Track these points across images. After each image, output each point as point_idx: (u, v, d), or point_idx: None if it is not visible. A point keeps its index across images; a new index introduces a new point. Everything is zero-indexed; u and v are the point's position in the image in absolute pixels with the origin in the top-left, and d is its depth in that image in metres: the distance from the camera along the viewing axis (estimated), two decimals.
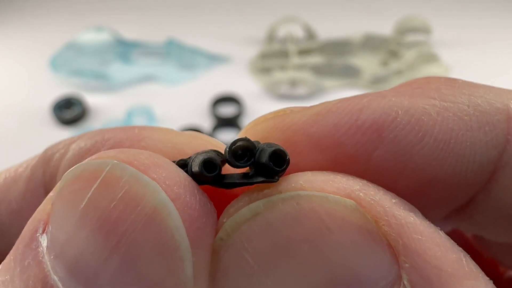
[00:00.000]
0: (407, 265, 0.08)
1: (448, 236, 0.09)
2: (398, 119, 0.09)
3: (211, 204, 0.09)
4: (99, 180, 0.09)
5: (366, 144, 0.10)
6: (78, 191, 0.09)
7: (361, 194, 0.08)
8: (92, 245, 0.08)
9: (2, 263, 0.09)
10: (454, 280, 0.08)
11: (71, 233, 0.08)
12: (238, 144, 0.09)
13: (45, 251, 0.09)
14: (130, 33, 0.77)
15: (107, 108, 0.66)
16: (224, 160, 0.09)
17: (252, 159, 0.09)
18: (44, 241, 0.09)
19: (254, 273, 0.09)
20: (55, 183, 0.12)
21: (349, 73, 0.68)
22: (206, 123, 0.62)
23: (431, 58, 0.70)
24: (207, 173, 0.09)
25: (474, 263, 0.09)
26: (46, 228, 0.09)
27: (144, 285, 0.08)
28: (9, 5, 0.89)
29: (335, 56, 0.70)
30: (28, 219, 0.10)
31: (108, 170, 0.09)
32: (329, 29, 0.78)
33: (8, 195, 0.13)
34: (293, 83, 0.67)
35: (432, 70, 0.63)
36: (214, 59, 0.73)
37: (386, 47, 0.70)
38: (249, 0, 0.88)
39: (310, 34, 0.73)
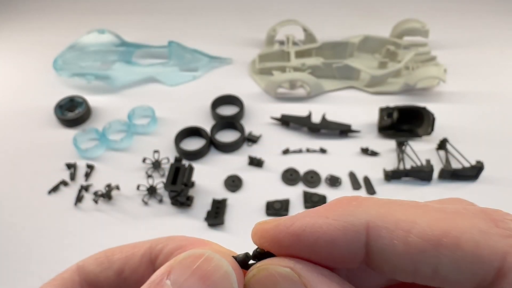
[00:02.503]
0: None
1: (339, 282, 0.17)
2: (305, 230, 0.17)
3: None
4: (203, 257, 0.18)
5: (294, 241, 0.17)
6: (191, 260, 0.17)
7: (292, 264, 0.17)
8: (197, 284, 0.17)
9: None
10: None
11: (186, 279, 0.17)
12: (257, 250, 0.19)
13: (170, 287, 0.17)
14: (132, 37, 0.78)
15: (109, 109, 0.66)
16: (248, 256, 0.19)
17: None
18: (168, 282, 0.17)
19: None
20: (159, 261, 0.22)
21: (348, 75, 0.69)
22: (207, 123, 0.63)
23: (429, 59, 0.71)
24: (247, 259, 0.19)
25: None
26: (169, 277, 0.17)
27: None
28: (14, 8, 0.90)
29: (334, 58, 0.71)
30: (140, 281, 0.21)
31: (207, 254, 0.18)
32: (328, 31, 0.79)
33: (129, 264, 0.22)
34: (293, 85, 0.68)
35: (429, 72, 0.64)
36: (215, 60, 0.74)
37: (384, 49, 0.71)
38: (250, 2, 0.89)
39: (309, 36, 0.74)
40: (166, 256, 0.22)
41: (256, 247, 0.19)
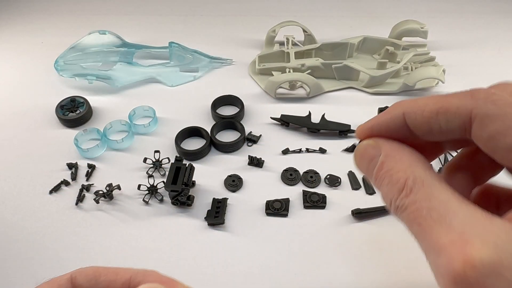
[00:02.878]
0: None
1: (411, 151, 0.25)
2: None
3: None
4: None
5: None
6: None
7: (375, 139, 0.26)
8: None
9: None
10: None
11: None
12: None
13: None
14: (133, 37, 0.78)
15: (110, 109, 0.67)
16: None
17: None
18: None
19: None
20: None
21: (347, 75, 0.69)
22: (207, 123, 0.63)
23: (428, 60, 0.72)
24: None
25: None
26: None
27: None
28: (15, 9, 0.90)
29: (333, 59, 0.72)
30: None
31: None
32: (328, 32, 0.79)
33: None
34: (293, 85, 0.69)
35: (428, 72, 0.64)
36: (215, 61, 0.74)
37: (383, 50, 0.71)
38: (250, 4, 0.90)
39: (309, 37, 0.74)
40: None
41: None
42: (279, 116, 0.63)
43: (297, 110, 0.64)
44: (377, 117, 0.27)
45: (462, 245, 0.19)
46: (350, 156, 0.60)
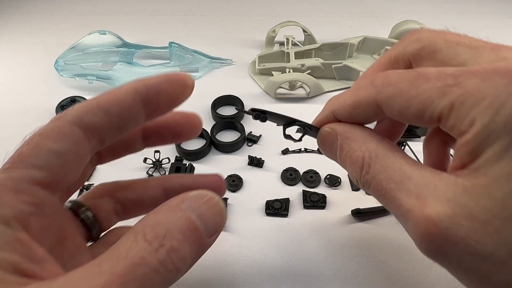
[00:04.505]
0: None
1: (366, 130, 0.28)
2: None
3: None
4: (209, 196, 0.24)
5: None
6: (201, 196, 0.24)
7: (333, 125, 0.30)
8: (206, 211, 0.24)
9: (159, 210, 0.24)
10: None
11: (199, 206, 0.24)
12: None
13: (186, 209, 0.24)
14: (133, 38, 0.79)
15: None
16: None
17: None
18: (184, 206, 0.24)
19: None
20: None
21: (347, 75, 0.70)
22: (207, 123, 0.63)
23: None
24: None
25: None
26: (184, 203, 0.23)
27: (216, 220, 0.24)
28: (15, 9, 0.90)
29: (333, 59, 0.72)
30: (130, 119, 0.26)
31: (211, 195, 0.24)
32: (328, 32, 0.79)
33: (120, 105, 0.26)
34: (292, 85, 0.69)
35: None
36: (215, 61, 0.74)
37: (383, 50, 0.72)
38: (250, 4, 0.90)
39: (309, 37, 0.74)
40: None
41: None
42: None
43: (297, 110, 0.64)
44: (317, 116, 0.32)
45: (420, 207, 0.21)
46: None
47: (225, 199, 0.54)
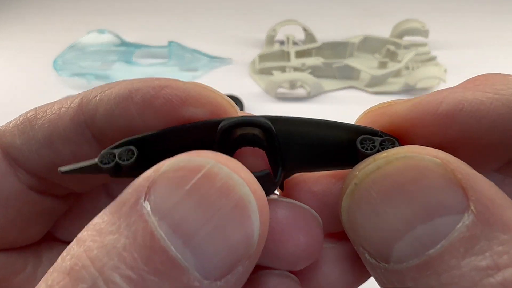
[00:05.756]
0: (473, 198, 0.13)
1: (493, 183, 0.14)
2: (464, 109, 0.15)
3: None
4: (202, 173, 0.13)
5: (442, 125, 0.15)
6: (182, 176, 0.13)
7: (443, 156, 0.14)
8: (193, 214, 0.12)
9: (100, 218, 0.13)
10: (501, 207, 0.13)
11: (176, 204, 0.12)
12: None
13: (151, 214, 0.12)
14: (132, 37, 0.78)
15: None
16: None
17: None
18: (147, 206, 0.12)
19: (377, 203, 0.14)
20: (95, 121, 0.16)
21: (348, 75, 0.69)
22: None
23: (429, 59, 0.71)
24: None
25: (506, 195, 0.14)
26: (148, 197, 0.13)
27: (226, 243, 0.13)
28: (14, 8, 0.90)
29: (334, 58, 0.71)
30: (74, 146, 0.16)
31: (209, 167, 0.13)
32: (328, 31, 0.79)
33: (57, 128, 0.17)
34: (293, 85, 0.68)
35: (429, 71, 0.64)
36: (215, 60, 0.74)
37: (384, 49, 0.71)
38: (250, 2, 0.89)
39: (309, 36, 0.74)
40: (106, 116, 0.16)
41: (377, 130, 0.16)
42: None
43: (297, 109, 0.64)
44: (466, 91, 0.17)
45: None
46: None
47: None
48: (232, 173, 0.13)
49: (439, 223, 0.13)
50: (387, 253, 0.14)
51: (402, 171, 0.14)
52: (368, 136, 0.15)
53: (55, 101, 0.18)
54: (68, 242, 0.13)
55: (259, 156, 0.17)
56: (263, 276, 0.17)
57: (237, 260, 0.13)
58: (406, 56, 0.68)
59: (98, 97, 0.16)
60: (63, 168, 0.16)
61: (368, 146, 0.15)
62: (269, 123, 0.15)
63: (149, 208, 0.12)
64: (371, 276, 0.18)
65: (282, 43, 0.75)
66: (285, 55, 0.71)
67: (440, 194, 0.13)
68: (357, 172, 0.15)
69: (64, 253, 0.13)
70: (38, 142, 0.17)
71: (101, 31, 0.75)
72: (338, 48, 0.72)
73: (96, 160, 0.15)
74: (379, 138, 0.15)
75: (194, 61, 0.73)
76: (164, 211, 0.12)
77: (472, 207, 0.13)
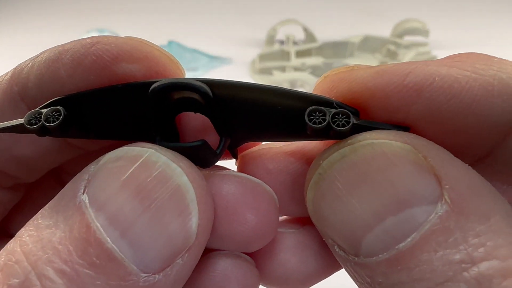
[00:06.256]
0: (447, 186, 0.12)
1: (470, 167, 0.13)
2: (434, 83, 0.13)
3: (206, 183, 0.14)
4: (139, 162, 0.12)
5: (408, 99, 0.13)
6: (121, 166, 0.12)
7: (414, 140, 0.13)
8: (130, 204, 0.12)
9: (40, 214, 0.13)
10: (478, 194, 0.12)
11: (112, 194, 0.12)
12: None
13: (88, 206, 0.12)
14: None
15: None
16: None
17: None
18: (86, 199, 0.12)
19: (343, 195, 0.13)
20: (27, 91, 0.15)
21: None
22: None
23: (429, 59, 0.71)
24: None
25: (485, 180, 0.13)
26: (86, 190, 0.12)
27: (163, 234, 0.12)
28: (13, 8, 0.90)
29: (334, 57, 0.71)
30: (6, 120, 0.15)
31: (146, 156, 0.13)
32: (328, 31, 0.79)
33: None
34: (293, 84, 0.68)
35: None
36: (215, 60, 0.74)
37: (384, 49, 0.71)
38: (250, 2, 0.89)
39: (309, 36, 0.74)
40: (36, 83, 0.15)
41: (332, 100, 0.14)
42: None
43: None
44: (441, 66, 0.15)
45: None
46: None
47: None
48: (169, 161, 0.13)
49: (410, 215, 0.12)
50: (357, 246, 0.13)
51: (369, 159, 0.13)
52: (318, 107, 0.13)
53: None
54: None
55: (207, 122, 0.15)
56: (212, 258, 0.16)
57: (175, 252, 0.12)
58: (407, 56, 0.68)
59: (29, 64, 0.15)
60: None
61: (318, 119, 0.13)
62: (206, 87, 0.13)
63: (87, 200, 0.12)
64: (337, 270, 0.18)
65: (282, 43, 0.75)
66: (285, 55, 0.71)
67: (411, 183, 0.12)
68: (321, 162, 0.13)
69: (1, 251, 0.12)
70: None
71: (101, 31, 0.74)
72: (338, 48, 0.72)
73: (23, 120, 0.14)
74: (332, 110, 0.13)
75: (194, 60, 0.73)
76: (101, 203, 0.12)
77: (446, 196, 0.12)
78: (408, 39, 0.74)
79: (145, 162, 0.13)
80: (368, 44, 0.73)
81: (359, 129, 0.13)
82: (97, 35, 0.64)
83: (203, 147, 0.14)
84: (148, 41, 0.16)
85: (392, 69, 0.13)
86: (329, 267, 0.17)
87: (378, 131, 0.13)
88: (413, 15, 0.76)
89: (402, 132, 0.13)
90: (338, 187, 0.13)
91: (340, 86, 0.14)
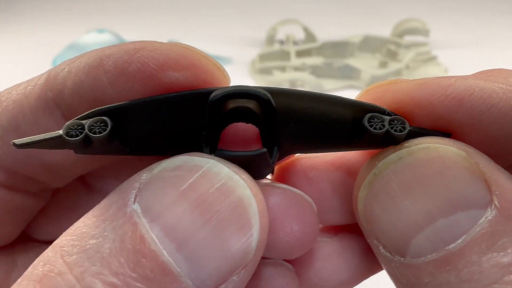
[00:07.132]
0: (497, 192, 0.13)
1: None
2: (475, 93, 0.13)
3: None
4: (200, 172, 0.12)
5: (451, 107, 0.14)
6: (179, 176, 0.12)
7: (466, 148, 0.13)
8: (189, 216, 0.11)
9: (82, 222, 0.12)
10: None
11: (169, 205, 0.11)
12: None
13: (141, 216, 0.11)
14: (131, 36, 0.78)
15: None
16: None
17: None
18: (138, 208, 0.11)
19: (397, 195, 0.13)
20: (64, 97, 0.14)
21: (348, 74, 0.69)
22: None
23: (429, 59, 0.71)
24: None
25: None
26: (137, 199, 0.12)
27: (223, 249, 0.12)
28: (13, 8, 0.90)
29: (334, 57, 0.71)
30: (42, 129, 0.14)
31: (208, 166, 0.12)
32: (328, 31, 0.79)
33: (23, 109, 0.15)
34: (293, 84, 0.68)
35: (430, 71, 0.64)
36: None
37: (385, 49, 0.71)
38: (250, 2, 0.89)
39: (309, 36, 0.74)
40: (75, 90, 0.14)
41: (384, 108, 0.14)
42: None
43: None
44: (479, 80, 0.16)
45: None
46: None
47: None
48: (232, 173, 0.12)
49: (461, 218, 0.12)
50: (404, 246, 0.13)
51: (425, 162, 0.13)
52: (376, 114, 0.14)
53: (24, 81, 0.15)
54: (46, 243, 0.12)
55: (246, 134, 0.15)
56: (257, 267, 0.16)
57: (233, 268, 0.12)
58: (407, 56, 0.68)
59: (66, 69, 0.14)
60: (19, 141, 0.13)
61: (377, 125, 0.14)
62: (269, 95, 0.13)
63: (139, 210, 0.11)
64: (368, 277, 0.18)
65: (282, 42, 0.75)
66: (285, 55, 0.71)
67: (464, 187, 0.13)
68: (376, 162, 0.14)
69: (36, 261, 0.11)
70: (2, 126, 0.15)
71: (101, 31, 0.74)
72: (338, 48, 0.72)
73: (61, 131, 0.12)
74: (387, 117, 0.14)
75: None
76: (156, 213, 0.11)
77: (496, 202, 0.12)
78: (408, 39, 0.74)
79: (206, 172, 0.12)
80: (368, 44, 0.73)
81: (411, 135, 0.14)
82: (97, 35, 0.64)
83: (262, 157, 0.13)
84: (194, 48, 0.15)
85: (434, 81, 0.14)
86: (361, 274, 0.18)
87: (432, 137, 0.14)
88: (413, 15, 0.76)
89: (456, 140, 0.14)
90: (392, 188, 0.13)
91: (384, 97, 0.15)
